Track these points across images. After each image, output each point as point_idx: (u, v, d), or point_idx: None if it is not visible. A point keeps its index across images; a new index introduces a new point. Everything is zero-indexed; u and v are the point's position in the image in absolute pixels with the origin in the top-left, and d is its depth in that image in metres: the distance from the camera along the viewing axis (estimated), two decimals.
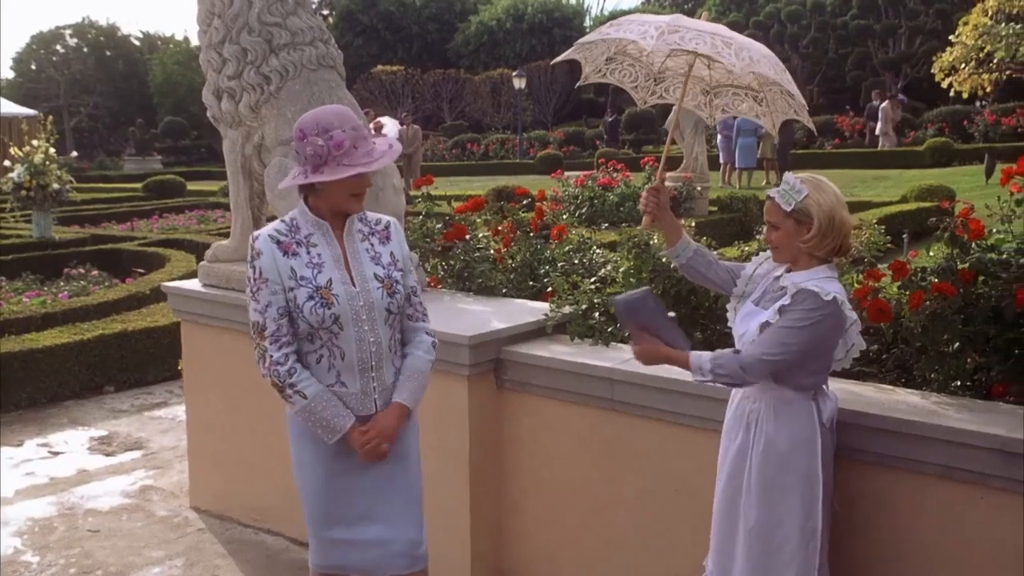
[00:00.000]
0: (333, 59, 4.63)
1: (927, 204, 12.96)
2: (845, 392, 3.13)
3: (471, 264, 4.70)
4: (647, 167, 12.88)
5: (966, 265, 3.18)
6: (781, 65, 3.06)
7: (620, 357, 3.64)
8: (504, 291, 4.67)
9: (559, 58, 3.48)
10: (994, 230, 3.41)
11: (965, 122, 25.81)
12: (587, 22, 47.85)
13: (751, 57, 2.90)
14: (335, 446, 2.84)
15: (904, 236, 8.27)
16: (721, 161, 20.76)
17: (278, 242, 2.77)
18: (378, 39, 45.25)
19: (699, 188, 13.49)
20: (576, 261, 4.61)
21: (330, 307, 2.73)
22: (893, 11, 37.38)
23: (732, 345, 2.86)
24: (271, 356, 2.74)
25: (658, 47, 2.89)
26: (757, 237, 10.94)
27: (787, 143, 20.21)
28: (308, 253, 2.78)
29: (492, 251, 4.84)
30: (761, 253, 3.02)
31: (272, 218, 4.77)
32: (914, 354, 3.32)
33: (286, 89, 4.47)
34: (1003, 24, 19.16)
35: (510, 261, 4.82)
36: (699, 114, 3.43)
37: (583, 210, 12.23)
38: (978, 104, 25.84)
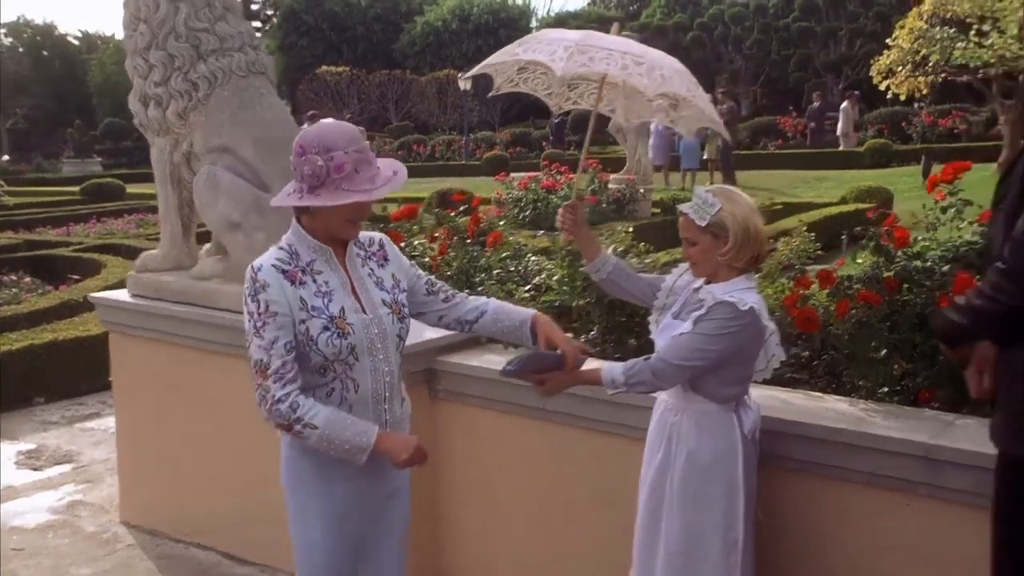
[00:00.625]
0: (263, 65, 4.55)
1: (865, 205, 13.15)
2: (775, 400, 3.14)
3: None
4: (590, 169, 12.91)
5: (891, 273, 3.21)
6: (694, 80, 3.05)
7: None
8: None
9: (468, 74, 3.44)
10: (920, 237, 3.45)
11: (903, 123, 26.31)
12: (533, 23, 47.95)
13: (663, 75, 2.88)
14: (342, 488, 2.67)
15: (843, 237, 8.39)
16: (655, 163, 20.77)
17: (283, 271, 2.54)
18: (323, 39, 44.89)
19: (642, 190, 13.56)
20: (512, 268, 4.58)
21: (346, 337, 2.55)
22: (834, 13, 38.02)
23: None
24: (273, 395, 2.50)
25: (568, 69, 2.85)
26: None
27: (730, 145, 20.39)
28: (315, 282, 2.58)
29: (428, 258, 4.79)
30: (681, 264, 3.01)
31: (202, 226, 4.70)
32: (843, 361, 3.35)
33: (215, 96, 4.38)
34: (937, 28, 19.58)
35: (446, 269, 4.77)
36: (615, 119, 3.42)
37: (527, 213, 12.21)
38: (916, 106, 26.35)
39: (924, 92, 20.80)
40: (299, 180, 2.52)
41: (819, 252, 3.85)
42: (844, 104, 25.59)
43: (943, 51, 19.21)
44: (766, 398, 3.14)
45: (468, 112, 35.32)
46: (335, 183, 2.47)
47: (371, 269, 2.72)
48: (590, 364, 2.88)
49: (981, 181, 3.82)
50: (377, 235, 2.83)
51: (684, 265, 2.95)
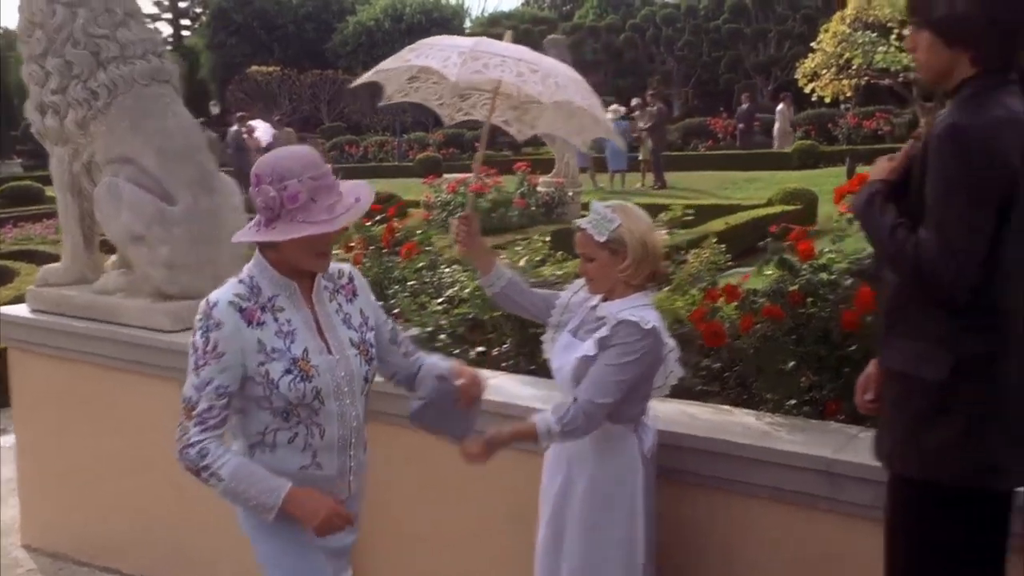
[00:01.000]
0: (168, 73, 4.42)
1: (790, 207, 13.37)
2: (683, 415, 3.13)
3: None
4: (519, 172, 12.90)
5: (796, 287, 3.21)
6: (589, 88, 3.03)
7: None
8: None
9: (358, 81, 3.31)
10: (826, 250, 3.46)
11: (830, 125, 26.78)
12: (467, 23, 47.86)
13: (557, 83, 2.85)
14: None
15: (769, 242, 8.46)
16: (580, 165, 20.71)
17: (241, 310, 2.36)
18: (253, 38, 44.25)
19: (570, 193, 13.56)
20: (426, 280, 4.51)
21: (310, 380, 2.39)
22: (763, 15, 38.63)
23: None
24: (188, 438, 2.35)
25: (462, 76, 2.79)
26: None
27: (659, 146, 20.53)
28: (276, 320, 2.40)
29: None
30: (577, 281, 2.99)
31: (103, 236, 4.55)
32: (753, 372, 3.35)
33: (116, 105, 4.23)
34: (859, 32, 20.03)
35: None
36: (508, 130, 3.35)
37: (455, 217, 12.12)
38: (842, 107, 26.89)
39: (848, 95, 21.27)
40: (258, 212, 2.36)
41: (729, 263, 3.86)
42: (780, 106, 25.90)
43: (865, 55, 19.66)
44: (675, 413, 3.14)
45: (401, 113, 35.08)
46: (290, 214, 2.30)
47: (339, 304, 2.55)
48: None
49: None
50: (347, 267, 2.66)
51: (580, 281, 2.92)
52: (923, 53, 2.30)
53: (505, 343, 3.93)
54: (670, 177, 20.28)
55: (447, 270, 4.48)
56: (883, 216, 2.26)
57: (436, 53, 2.87)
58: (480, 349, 3.95)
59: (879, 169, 2.40)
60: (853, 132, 25.91)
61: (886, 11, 18.89)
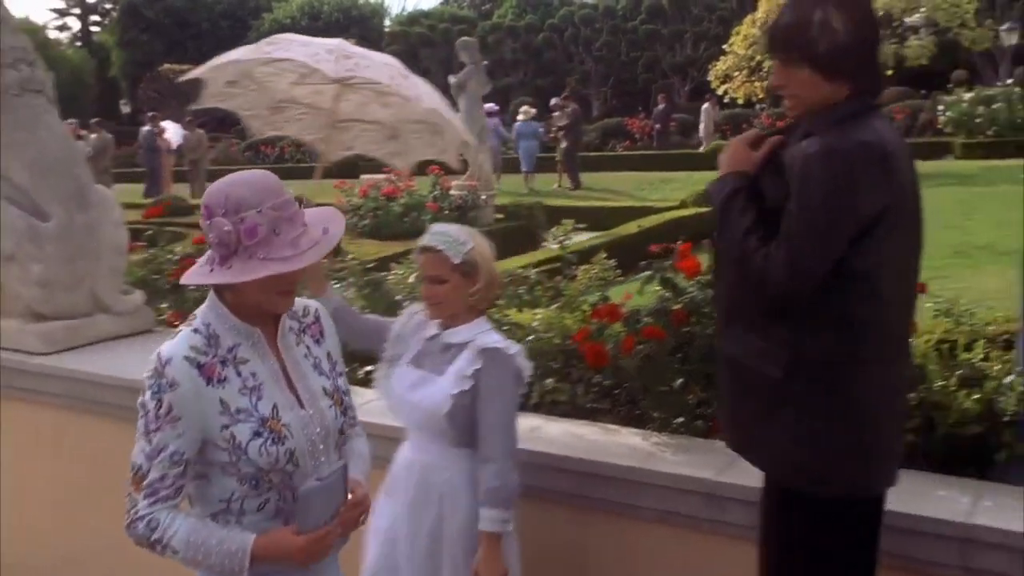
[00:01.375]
0: (40, 83, 4.22)
1: (703, 209, 13.46)
2: (570, 435, 3.09)
3: None
4: (432, 174, 12.79)
5: (680, 306, 3.19)
6: (446, 103, 3.05)
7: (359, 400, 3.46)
8: None
9: (190, 75, 3.10)
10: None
11: (744, 125, 27.11)
12: (386, 22, 47.56)
13: (427, 91, 2.84)
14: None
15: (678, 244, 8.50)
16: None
17: (199, 366, 2.05)
18: (166, 35, 43.36)
19: (484, 197, 13.46)
20: None
21: (283, 442, 2.09)
22: (679, 16, 39.12)
23: None
24: (136, 511, 2.06)
25: (337, 72, 2.72)
26: (543, 245, 10.93)
27: (574, 146, 20.60)
28: (239, 375, 2.10)
29: None
30: (407, 309, 2.91)
31: None
32: (641, 390, 3.32)
33: None
34: None
35: None
36: (317, 148, 3.23)
37: (366, 222, 11.96)
38: (757, 107, 27.33)
39: (761, 96, 21.59)
40: (210, 249, 2.07)
41: (619, 278, 3.83)
42: (705, 105, 26.10)
43: None
44: (561, 434, 3.10)
45: None
46: (248, 251, 2.00)
47: (307, 347, 2.25)
48: None
49: None
50: (313, 304, 2.35)
51: (411, 309, 2.86)
52: (801, 88, 2.25)
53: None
54: (587, 178, 20.37)
55: (337, 286, 4.37)
56: (742, 216, 2.24)
57: (299, 48, 2.79)
58: (368, 368, 3.86)
59: (741, 159, 2.37)
60: (768, 132, 26.20)
61: None
